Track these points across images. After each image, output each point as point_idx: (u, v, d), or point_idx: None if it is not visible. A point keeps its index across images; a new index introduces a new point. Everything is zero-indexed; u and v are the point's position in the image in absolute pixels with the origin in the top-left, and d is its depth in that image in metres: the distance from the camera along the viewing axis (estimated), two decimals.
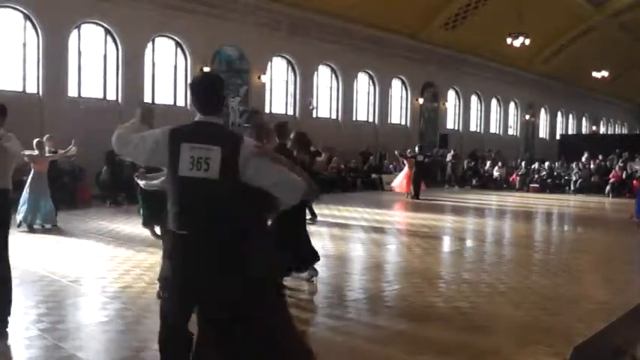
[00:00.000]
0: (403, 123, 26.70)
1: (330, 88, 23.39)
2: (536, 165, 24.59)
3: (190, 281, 3.06)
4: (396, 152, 19.82)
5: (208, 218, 3.01)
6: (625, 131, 45.82)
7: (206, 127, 3.09)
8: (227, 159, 2.95)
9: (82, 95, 16.16)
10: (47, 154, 10.00)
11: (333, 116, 23.39)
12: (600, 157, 23.83)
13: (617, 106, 44.52)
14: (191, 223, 3.04)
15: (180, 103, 18.55)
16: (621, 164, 21.83)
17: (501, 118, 33.03)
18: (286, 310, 3.33)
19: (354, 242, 9.58)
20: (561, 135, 37.11)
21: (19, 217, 9.52)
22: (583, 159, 23.91)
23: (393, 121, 26.11)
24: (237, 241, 3.02)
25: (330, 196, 16.78)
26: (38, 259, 7.46)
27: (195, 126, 3.13)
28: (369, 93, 25.08)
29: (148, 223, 9.44)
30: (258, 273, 3.08)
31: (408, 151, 19.75)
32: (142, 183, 5.66)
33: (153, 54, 17.71)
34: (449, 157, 25.20)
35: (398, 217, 14.31)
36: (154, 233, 8.92)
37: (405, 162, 18.71)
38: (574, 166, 23.66)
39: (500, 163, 25.17)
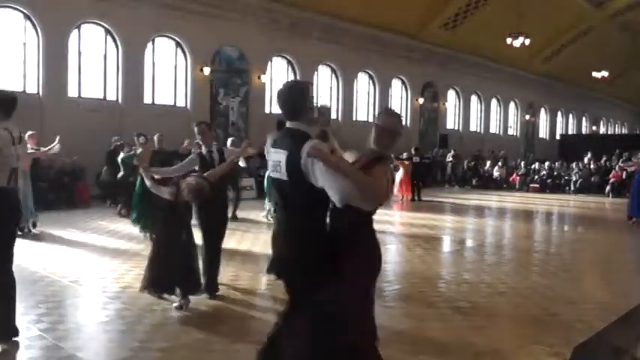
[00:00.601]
0: (403, 123, 26.67)
1: (330, 88, 23.40)
2: (536, 165, 24.59)
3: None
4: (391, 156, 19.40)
5: (281, 213, 3.42)
6: (625, 131, 45.83)
7: (287, 132, 3.31)
8: (291, 161, 3.16)
9: (82, 95, 16.15)
10: (29, 151, 9.69)
11: (333, 116, 23.37)
12: (605, 157, 23.69)
13: (617, 106, 44.52)
14: (277, 216, 3.65)
15: (181, 103, 18.55)
16: (621, 164, 21.79)
17: (501, 118, 33.03)
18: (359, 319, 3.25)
19: None
20: (561, 135, 37.13)
21: None
22: (585, 160, 23.77)
23: None
24: (298, 236, 3.22)
25: None
26: (38, 259, 7.46)
27: (282, 131, 3.39)
28: (369, 93, 25.09)
29: (147, 227, 9.32)
30: (316, 271, 3.15)
31: (404, 154, 19.36)
32: (148, 184, 5.67)
33: (153, 54, 17.70)
34: (449, 157, 25.20)
35: (398, 217, 14.30)
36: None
37: (400, 166, 17.76)
38: (574, 166, 23.65)
39: (500, 163, 25.17)
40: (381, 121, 3.50)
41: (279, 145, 3.27)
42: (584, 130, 41.54)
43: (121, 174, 12.07)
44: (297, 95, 3.30)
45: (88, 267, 7.19)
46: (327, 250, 3.20)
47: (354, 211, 3.16)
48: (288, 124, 3.30)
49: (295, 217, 3.24)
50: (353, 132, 23.22)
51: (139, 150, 10.54)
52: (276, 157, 3.26)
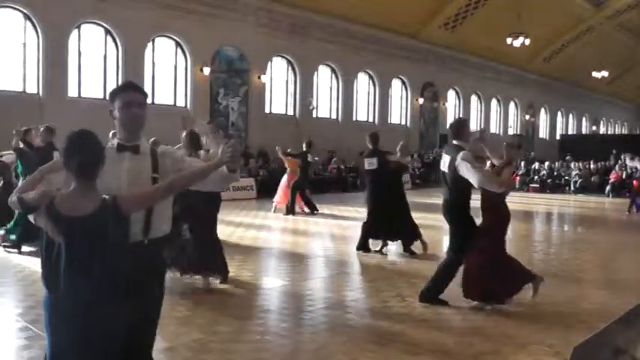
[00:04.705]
0: (403, 123, 26.71)
1: (330, 88, 23.40)
2: (536, 165, 24.58)
3: None
4: (277, 150, 13.24)
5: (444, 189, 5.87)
6: (625, 131, 45.83)
7: (451, 145, 5.75)
8: (451, 162, 5.55)
9: (82, 95, 16.16)
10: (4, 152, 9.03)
11: (333, 116, 23.40)
12: (621, 158, 23.50)
13: (617, 106, 44.52)
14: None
15: (181, 103, 18.56)
16: (628, 163, 21.61)
17: (501, 118, 33.03)
18: None
19: (354, 242, 9.52)
20: (561, 135, 37.13)
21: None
22: (612, 159, 23.37)
23: (393, 121, 26.11)
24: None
25: (330, 196, 16.82)
26: (38, 260, 7.44)
27: (449, 145, 5.98)
28: (369, 93, 25.09)
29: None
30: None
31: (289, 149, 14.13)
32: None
33: (153, 54, 17.71)
34: None
35: None
36: None
37: (286, 164, 13.21)
38: (574, 166, 23.65)
39: None
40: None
41: (447, 152, 5.64)
42: (584, 130, 41.54)
43: None
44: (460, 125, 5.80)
45: None
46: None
47: (487, 191, 5.46)
48: (453, 141, 5.63)
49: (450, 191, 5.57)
50: (353, 132, 23.37)
51: None
52: (445, 159, 5.57)
